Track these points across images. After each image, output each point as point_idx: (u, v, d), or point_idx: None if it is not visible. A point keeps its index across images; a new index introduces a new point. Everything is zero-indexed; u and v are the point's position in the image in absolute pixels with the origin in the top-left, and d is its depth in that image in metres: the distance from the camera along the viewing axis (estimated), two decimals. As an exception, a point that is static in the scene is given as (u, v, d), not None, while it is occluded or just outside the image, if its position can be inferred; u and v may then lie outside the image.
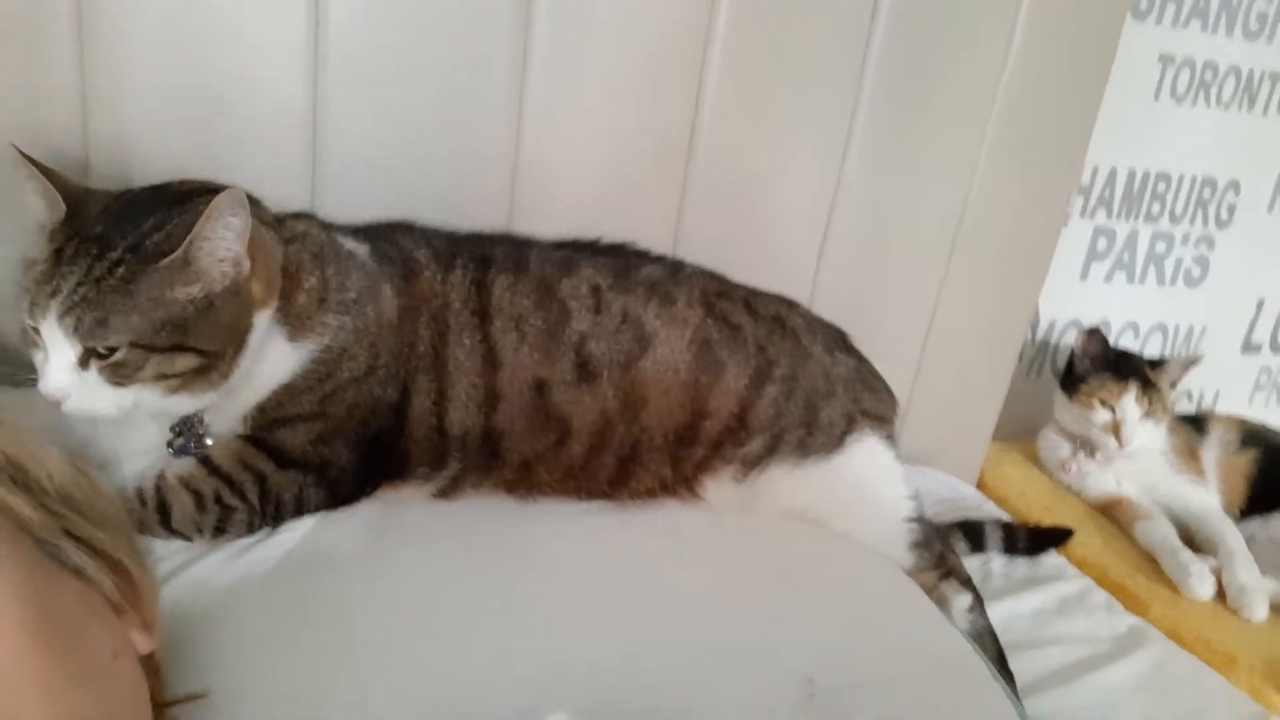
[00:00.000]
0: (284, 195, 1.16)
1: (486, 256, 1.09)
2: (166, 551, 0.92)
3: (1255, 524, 1.59)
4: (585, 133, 1.26)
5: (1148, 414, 1.62)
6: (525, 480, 1.05)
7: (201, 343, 0.85)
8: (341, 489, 1.00)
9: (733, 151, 1.34)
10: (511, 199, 1.24)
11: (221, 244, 0.84)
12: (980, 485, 1.72)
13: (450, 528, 1.00)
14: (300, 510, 0.98)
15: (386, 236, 1.08)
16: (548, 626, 0.89)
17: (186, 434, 0.99)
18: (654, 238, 1.30)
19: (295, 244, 0.96)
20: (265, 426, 0.97)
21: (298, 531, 0.96)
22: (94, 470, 0.84)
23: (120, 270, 0.82)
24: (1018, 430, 1.79)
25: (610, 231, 1.24)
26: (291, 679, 0.77)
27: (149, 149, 1.10)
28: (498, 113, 1.21)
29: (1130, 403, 1.61)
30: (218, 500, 0.94)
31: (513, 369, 1.04)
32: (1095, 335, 1.67)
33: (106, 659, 0.59)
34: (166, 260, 0.82)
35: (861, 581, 1.07)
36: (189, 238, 0.82)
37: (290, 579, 0.90)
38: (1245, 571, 1.41)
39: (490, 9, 1.16)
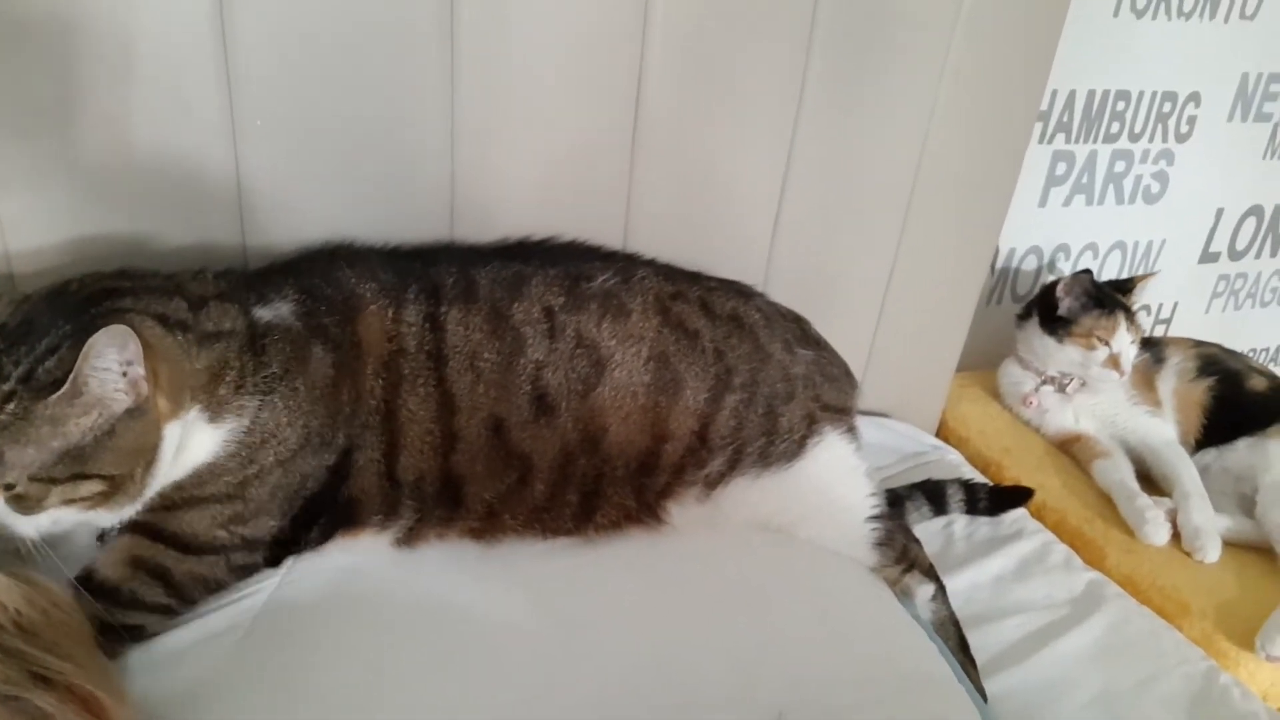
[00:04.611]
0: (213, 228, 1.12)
1: (436, 286, 1.04)
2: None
3: (1211, 454, 1.61)
4: (522, 136, 1.20)
5: (1134, 340, 1.64)
6: (490, 525, 1.03)
7: (104, 468, 0.82)
8: (274, 552, 0.98)
9: (680, 130, 1.28)
10: (451, 211, 1.20)
11: (109, 375, 0.80)
12: (941, 425, 1.75)
13: (413, 581, 0.98)
14: (221, 589, 0.95)
15: (323, 272, 1.03)
16: (516, 680, 0.90)
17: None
18: (604, 231, 1.26)
19: (211, 344, 0.90)
20: (171, 506, 0.92)
21: (260, 595, 0.95)
22: (43, 579, 0.83)
23: (11, 405, 0.79)
24: (977, 359, 1.80)
25: (559, 229, 1.20)
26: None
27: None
28: (430, 126, 1.15)
29: (1124, 334, 1.62)
30: (108, 631, 0.87)
31: (470, 410, 1.01)
32: (1084, 275, 1.65)
33: None
34: (55, 395, 0.78)
35: (830, 596, 1.08)
36: (72, 374, 0.78)
37: (259, 650, 0.90)
38: (1199, 513, 1.45)
39: (411, 21, 1.10)
